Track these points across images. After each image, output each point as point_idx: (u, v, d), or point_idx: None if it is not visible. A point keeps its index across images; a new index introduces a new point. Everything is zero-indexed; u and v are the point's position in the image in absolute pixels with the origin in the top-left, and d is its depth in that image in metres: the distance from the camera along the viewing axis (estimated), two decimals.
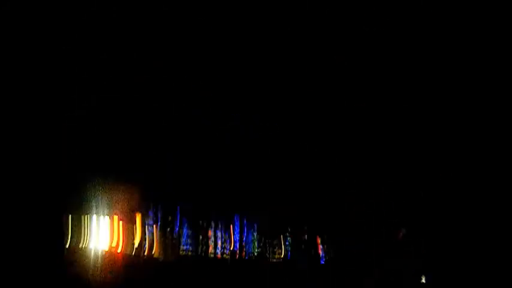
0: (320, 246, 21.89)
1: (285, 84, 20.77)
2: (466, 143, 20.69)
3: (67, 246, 16.79)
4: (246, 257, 20.99)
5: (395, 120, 21.54)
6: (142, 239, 18.73)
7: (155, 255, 18.97)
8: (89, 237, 17.43)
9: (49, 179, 15.93)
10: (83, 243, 17.16)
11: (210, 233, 20.44)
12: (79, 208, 17.45)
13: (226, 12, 18.81)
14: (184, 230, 19.95)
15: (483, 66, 20.01)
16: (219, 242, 20.46)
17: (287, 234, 21.71)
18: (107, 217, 17.88)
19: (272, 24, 19.49)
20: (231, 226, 21.01)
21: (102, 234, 17.75)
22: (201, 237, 20.28)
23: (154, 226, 19.34)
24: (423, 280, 20.82)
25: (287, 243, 21.78)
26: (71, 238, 16.79)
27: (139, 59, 18.47)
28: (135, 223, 18.65)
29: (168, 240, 19.62)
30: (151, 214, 19.15)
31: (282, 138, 21.46)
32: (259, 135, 20.90)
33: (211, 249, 20.39)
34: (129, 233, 18.60)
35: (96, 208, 17.83)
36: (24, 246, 14.62)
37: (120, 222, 18.26)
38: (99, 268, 17.09)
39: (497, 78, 20.05)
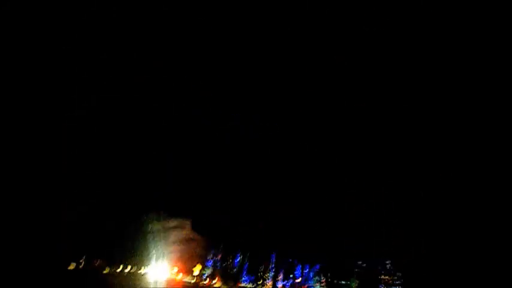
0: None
1: (285, 85, 21.10)
2: (465, 144, 20.96)
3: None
4: None
5: (395, 120, 21.83)
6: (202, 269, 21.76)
7: (216, 285, 22.24)
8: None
9: (47, 178, 16.16)
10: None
11: (269, 269, 23.10)
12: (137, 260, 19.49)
13: (227, 13, 19.07)
14: (245, 266, 22.89)
15: (483, 66, 20.28)
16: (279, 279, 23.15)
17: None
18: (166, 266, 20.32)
19: (272, 25, 19.77)
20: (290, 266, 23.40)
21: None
22: (260, 273, 23.00)
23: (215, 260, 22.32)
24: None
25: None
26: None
27: (139, 59, 18.71)
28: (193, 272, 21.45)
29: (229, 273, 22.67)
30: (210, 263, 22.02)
31: (282, 138, 21.78)
32: (259, 135, 21.23)
33: (269, 285, 23.14)
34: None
35: (154, 259, 20.18)
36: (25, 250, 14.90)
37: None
38: None
39: (497, 78, 20.33)
